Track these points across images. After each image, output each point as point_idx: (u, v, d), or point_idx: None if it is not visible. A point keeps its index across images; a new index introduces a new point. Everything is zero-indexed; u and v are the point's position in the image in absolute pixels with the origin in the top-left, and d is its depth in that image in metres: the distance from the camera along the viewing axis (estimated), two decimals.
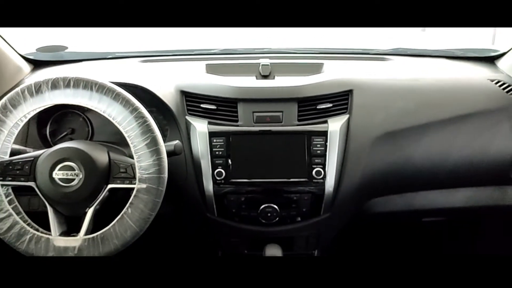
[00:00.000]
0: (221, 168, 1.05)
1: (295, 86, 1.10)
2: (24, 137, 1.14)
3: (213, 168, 1.06)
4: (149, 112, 0.91)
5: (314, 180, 1.06)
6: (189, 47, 1.48)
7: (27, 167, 0.89)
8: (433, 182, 1.15)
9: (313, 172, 1.05)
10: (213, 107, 1.09)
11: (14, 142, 0.93)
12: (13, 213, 0.89)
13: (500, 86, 1.19)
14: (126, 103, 0.88)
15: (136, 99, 0.90)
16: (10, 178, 0.88)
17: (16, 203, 0.92)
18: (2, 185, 0.88)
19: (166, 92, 1.11)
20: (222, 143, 1.06)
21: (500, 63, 1.33)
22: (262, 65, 1.18)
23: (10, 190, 0.92)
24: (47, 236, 0.89)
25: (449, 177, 1.14)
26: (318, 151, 1.05)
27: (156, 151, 0.88)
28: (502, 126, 1.13)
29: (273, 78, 1.18)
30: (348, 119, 1.09)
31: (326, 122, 1.07)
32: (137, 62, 1.35)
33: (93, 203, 0.89)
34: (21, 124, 0.91)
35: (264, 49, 1.40)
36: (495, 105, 1.15)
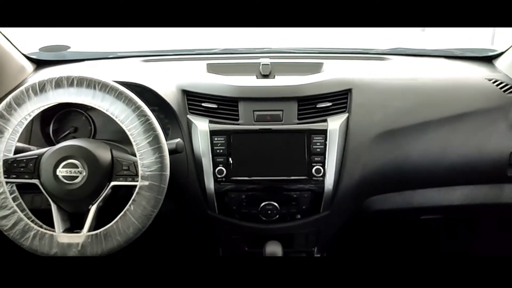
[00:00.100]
0: (222, 166, 1.07)
1: (295, 85, 1.11)
2: (27, 136, 1.15)
3: (214, 166, 1.07)
4: (151, 111, 0.92)
5: (313, 178, 1.07)
6: (190, 46, 1.49)
7: (31, 164, 0.90)
8: (431, 180, 1.17)
9: (313, 170, 1.07)
10: (214, 106, 1.10)
11: (18, 141, 0.95)
12: (18, 210, 0.90)
13: (498, 85, 1.20)
14: (128, 101, 0.90)
15: (139, 98, 0.92)
16: (14, 176, 0.90)
17: (20, 200, 0.94)
18: (7, 183, 0.90)
19: (168, 91, 1.12)
20: (223, 142, 1.07)
21: (498, 62, 1.34)
22: (262, 64, 1.19)
23: (15, 188, 0.93)
24: (50, 232, 0.90)
25: (447, 175, 1.15)
26: (318, 150, 1.07)
27: (158, 149, 0.89)
28: (500, 125, 1.15)
29: (273, 78, 1.19)
30: (348, 118, 1.10)
31: (325, 120, 1.09)
32: (139, 62, 1.36)
33: (96, 200, 0.90)
34: (25, 123, 0.92)
35: (264, 48, 1.41)
36: (492, 104, 1.17)
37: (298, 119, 1.09)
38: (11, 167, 0.90)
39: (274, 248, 1.11)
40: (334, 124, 1.08)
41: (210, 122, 1.09)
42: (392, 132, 1.12)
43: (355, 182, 1.10)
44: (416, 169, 1.14)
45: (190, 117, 1.10)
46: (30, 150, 0.97)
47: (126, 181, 0.90)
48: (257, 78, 1.19)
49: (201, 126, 1.08)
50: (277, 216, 1.10)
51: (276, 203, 1.09)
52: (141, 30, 1.57)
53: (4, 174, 0.89)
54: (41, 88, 0.90)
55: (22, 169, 0.90)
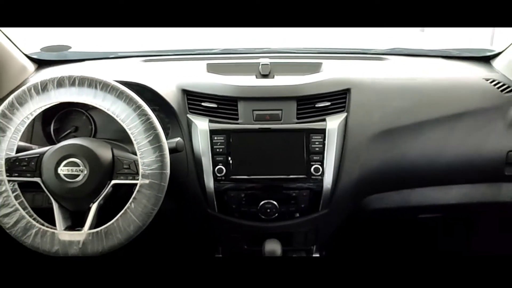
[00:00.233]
0: (222, 165, 1.08)
1: (294, 85, 1.12)
2: (29, 135, 1.16)
3: (214, 165, 1.08)
4: (152, 110, 0.93)
5: (312, 177, 1.08)
6: (190, 47, 1.50)
7: (33, 163, 0.91)
8: (430, 179, 1.18)
9: (312, 169, 1.08)
10: (214, 105, 1.11)
11: (20, 140, 0.96)
12: (20, 208, 0.91)
13: (495, 85, 1.21)
14: (129, 101, 0.91)
15: (139, 97, 0.93)
16: (16, 174, 0.91)
17: (22, 198, 0.95)
18: (9, 181, 0.91)
19: (168, 91, 1.13)
20: (223, 141, 1.08)
21: (496, 62, 1.35)
22: (262, 64, 1.20)
23: (17, 186, 0.94)
24: (52, 230, 0.91)
25: (445, 174, 1.16)
26: (317, 149, 1.08)
27: (158, 148, 0.90)
28: (497, 124, 1.16)
29: (273, 77, 1.20)
30: (346, 117, 1.11)
31: (324, 120, 1.10)
32: (139, 62, 1.37)
33: (97, 198, 0.91)
34: (27, 122, 0.93)
35: (264, 49, 1.42)
36: (490, 103, 1.18)
37: (297, 118, 1.10)
38: (13, 165, 0.91)
39: (273, 246, 1.12)
40: (333, 123, 1.09)
41: (210, 121, 1.10)
42: (391, 132, 1.13)
43: (354, 181, 1.11)
44: (414, 168, 1.15)
45: (190, 116, 1.11)
46: (31, 149, 0.98)
47: (126, 179, 0.91)
48: (256, 78, 1.20)
49: (201, 125, 1.09)
50: (276, 214, 1.11)
51: (275, 201, 1.10)
52: (142, 30, 1.58)
53: (6, 172, 0.90)
54: (43, 87, 0.91)
55: (24, 168, 0.91)
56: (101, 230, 0.90)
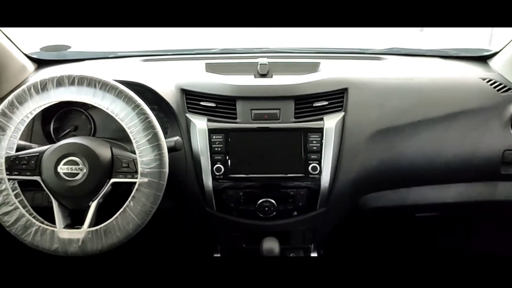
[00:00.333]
0: (220, 164, 1.09)
1: (292, 84, 1.13)
2: (29, 134, 1.17)
3: (212, 164, 1.09)
4: (151, 109, 0.94)
5: (310, 176, 1.09)
6: (189, 46, 1.51)
7: (33, 162, 0.92)
8: (426, 178, 1.18)
9: (309, 168, 1.08)
10: (213, 104, 1.12)
11: (20, 139, 0.96)
12: (20, 206, 0.92)
13: (492, 84, 1.22)
14: (128, 100, 0.91)
15: (138, 96, 0.93)
16: (16, 173, 0.91)
17: (22, 197, 0.95)
18: (9, 179, 0.91)
19: (167, 90, 1.14)
20: (221, 140, 1.09)
21: (492, 62, 1.36)
22: (260, 64, 1.21)
23: (16, 184, 0.95)
24: (52, 228, 0.92)
25: (442, 173, 1.17)
26: (314, 147, 1.09)
27: (157, 147, 0.91)
28: (493, 124, 1.17)
29: (271, 77, 1.21)
30: (344, 117, 1.12)
31: (322, 119, 1.11)
32: (139, 61, 1.38)
33: (96, 196, 0.92)
34: (27, 121, 0.94)
35: (262, 48, 1.42)
36: (486, 103, 1.19)
37: (295, 117, 1.11)
38: (13, 164, 0.91)
39: (271, 245, 1.13)
40: (330, 122, 1.10)
41: (209, 120, 1.11)
42: (388, 131, 1.14)
43: (351, 179, 1.12)
44: (411, 167, 1.16)
45: (188, 115, 1.12)
46: (31, 147, 0.98)
47: (125, 178, 0.92)
48: (255, 77, 1.21)
49: (200, 124, 1.10)
50: (274, 213, 1.12)
51: (273, 200, 1.11)
52: (141, 30, 1.59)
53: (6, 171, 0.91)
54: (43, 86, 0.91)
55: (24, 166, 0.92)
56: (100, 228, 0.91)
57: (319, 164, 1.08)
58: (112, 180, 0.92)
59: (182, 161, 1.10)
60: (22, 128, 0.94)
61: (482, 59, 1.40)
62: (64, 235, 0.91)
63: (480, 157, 1.16)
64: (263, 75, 1.21)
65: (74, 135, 1.20)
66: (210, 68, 1.27)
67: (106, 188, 0.92)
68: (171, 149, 0.96)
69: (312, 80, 1.15)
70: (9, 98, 0.91)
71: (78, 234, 0.91)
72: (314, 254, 1.25)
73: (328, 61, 1.31)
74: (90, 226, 0.91)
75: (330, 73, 1.20)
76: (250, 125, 1.10)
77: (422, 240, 1.57)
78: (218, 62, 1.32)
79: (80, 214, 0.94)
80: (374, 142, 1.13)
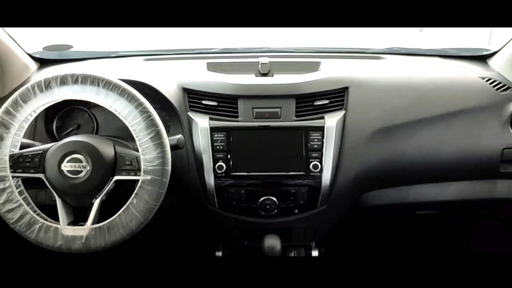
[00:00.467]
0: (222, 162, 1.09)
1: (293, 83, 1.14)
2: (31, 133, 1.18)
3: (214, 162, 1.10)
4: (153, 108, 0.95)
5: (311, 174, 1.10)
6: (191, 46, 1.51)
7: (36, 159, 0.93)
8: (426, 176, 1.19)
9: (310, 166, 1.09)
10: (214, 103, 1.13)
11: (23, 137, 0.97)
12: (24, 203, 0.92)
13: (491, 84, 1.23)
14: (131, 98, 0.92)
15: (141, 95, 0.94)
16: (20, 170, 0.92)
17: (26, 194, 0.96)
18: (13, 177, 0.92)
19: (169, 89, 1.15)
20: (223, 138, 1.10)
21: (492, 61, 1.37)
22: (261, 63, 1.21)
23: (20, 182, 0.95)
24: (55, 225, 0.92)
25: (442, 171, 1.18)
26: (315, 146, 1.10)
27: (160, 144, 0.92)
28: (493, 122, 1.18)
29: (272, 76, 1.21)
30: (344, 115, 1.13)
31: (323, 118, 1.11)
32: (141, 61, 1.39)
33: (99, 194, 0.93)
34: (31, 119, 0.95)
35: (263, 48, 1.43)
36: (486, 102, 1.19)
37: (296, 116, 1.12)
38: (17, 161, 0.92)
39: (272, 242, 1.14)
40: (331, 121, 1.11)
41: (210, 119, 1.11)
42: (388, 129, 1.15)
43: (352, 177, 1.13)
44: (411, 165, 1.16)
45: (190, 114, 1.13)
46: (35, 146, 0.99)
47: (128, 175, 0.92)
48: (256, 76, 1.21)
49: (202, 123, 1.11)
50: (276, 210, 1.13)
51: (275, 198, 1.12)
52: (142, 30, 1.60)
53: (10, 168, 0.91)
54: (47, 85, 0.92)
55: (28, 164, 0.92)
56: (103, 225, 0.92)
57: (320, 162, 1.09)
58: (115, 177, 0.93)
59: (184, 159, 1.11)
60: (26, 126, 0.95)
61: (482, 58, 1.41)
62: (68, 232, 0.92)
63: (479, 156, 1.17)
64: (264, 74, 1.21)
65: (77, 134, 1.21)
66: (212, 67, 1.28)
67: (109, 186, 0.93)
68: (173, 147, 0.97)
69: (313, 79, 1.16)
70: (13, 96, 0.92)
71: (81, 231, 0.92)
72: (315, 252, 1.26)
73: (328, 60, 1.32)
74: (93, 223, 0.92)
75: (331, 72, 1.21)
76: (251, 124, 1.11)
77: (422, 238, 1.57)
78: (220, 61, 1.33)
79: (83, 211, 0.94)
80: (374, 140, 1.14)
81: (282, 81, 1.16)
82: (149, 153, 0.91)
